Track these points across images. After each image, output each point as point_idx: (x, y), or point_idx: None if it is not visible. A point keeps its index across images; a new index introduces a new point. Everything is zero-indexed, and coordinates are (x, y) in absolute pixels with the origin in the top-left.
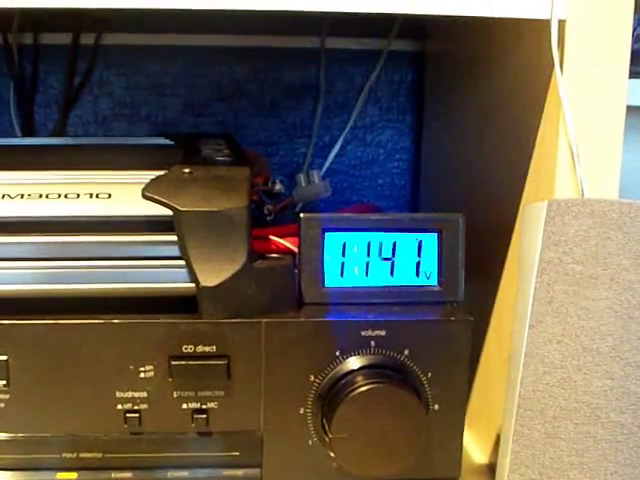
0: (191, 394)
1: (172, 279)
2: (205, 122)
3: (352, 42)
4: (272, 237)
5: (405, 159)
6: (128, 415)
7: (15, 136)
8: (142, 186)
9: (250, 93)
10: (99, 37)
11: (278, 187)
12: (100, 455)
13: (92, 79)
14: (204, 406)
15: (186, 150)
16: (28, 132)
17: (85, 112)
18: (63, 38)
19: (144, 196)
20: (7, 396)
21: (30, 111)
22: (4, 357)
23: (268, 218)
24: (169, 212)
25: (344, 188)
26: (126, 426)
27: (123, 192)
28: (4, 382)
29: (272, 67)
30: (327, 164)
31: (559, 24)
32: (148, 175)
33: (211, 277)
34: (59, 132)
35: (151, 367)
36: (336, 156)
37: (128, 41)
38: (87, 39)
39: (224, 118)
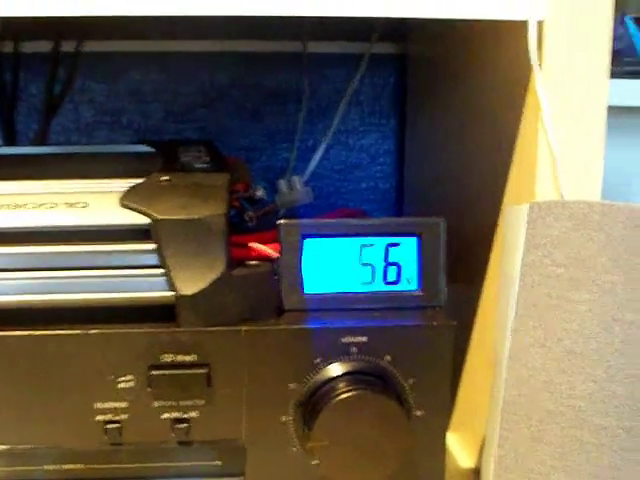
0: (171, 404)
1: (150, 288)
2: (187, 128)
3: (334, 46)
4: (252, 244)
5: (389, 163)
6: (108, 426)
7: None
8: (120, 195)
9: (232, 99)
10: (80, 45)
11: (260, 193)
12: (82, 466)
13: (73, 87)
14: (185, 415)
15: (166, 157)
16: (9, 141)
17: (67, 120)
18: (44, 46)
19: (122, 204)
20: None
21: (11, 119)
22: None
23: (250, 225)
24: (147, 220)
25: (328, 193)
26: (106, 437)
27: (101, 201)
28: None
29: (254, 72)
30: (310, 169)
31: (538, 25)
32: (126, 183)
33: (190, 285)
34: (41, 140)
35: (130, 377)
36: (319, 160)
37: (109, 48)
38: (68, 47)
39: (206, 124)
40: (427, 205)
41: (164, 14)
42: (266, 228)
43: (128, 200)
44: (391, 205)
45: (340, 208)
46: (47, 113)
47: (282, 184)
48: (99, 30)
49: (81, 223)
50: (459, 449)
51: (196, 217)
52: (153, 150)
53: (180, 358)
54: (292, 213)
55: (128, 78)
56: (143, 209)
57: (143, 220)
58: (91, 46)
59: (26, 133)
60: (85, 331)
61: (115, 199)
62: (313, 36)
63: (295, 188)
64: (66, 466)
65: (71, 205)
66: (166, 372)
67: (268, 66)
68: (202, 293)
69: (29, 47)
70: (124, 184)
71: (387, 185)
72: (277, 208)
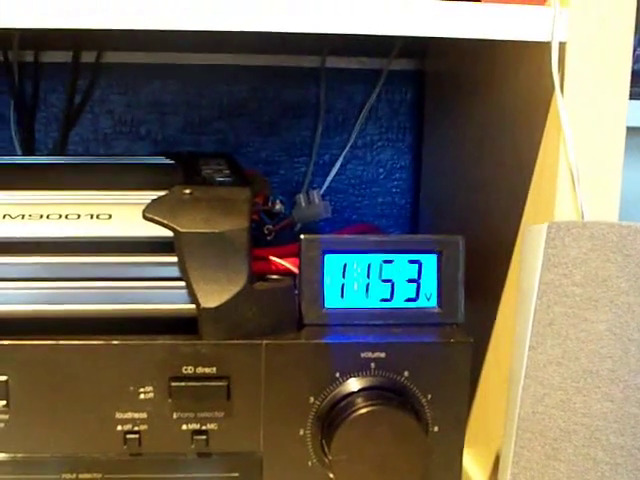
0: (191, 415)
1: (172, 300)
2: (205, 141)
3: (352, 61)
4: (272, 258)
5: (405, 178)
6: (128, 436)
7: (15, 154)
8: (142, 207)
9: (250, 112)
10: (100, 55)
11: (278, 207)
12: (100, 476)
13: (93, 97)
14: (204, 427)
15: (186, 170)
16: (28, 150)
17: (85, 130)
18: (64, 56)
19: (145, 217)
20: (7, 416)
21: (30, 129)
22: (4, 377)
23: (268, 238)
24: (170, 233)
25: (344, 207)
26: (126, 447)
27: (124, 213)
28: (4, 402)
29: (272, 86)
30: (327, 183)
31: (559, 46)
32: (149, 195)
33: (211, 298)
34: (59, 150)
35: (151, 388)
36: (336, 175)
37: (129, 59)
38: (88, 57)
39: (224, 137)
40: (443, 221)
41: (183, 28)
42: (282, 242)
43: (151, 213)
44: (407, 220)
45: (354, 223)
46: (66, 123)
47: (301, 198)
48: (119, 41)
49: (105, 235)
50: (473, 466)
51: (219, 231)
52: (173, 162)
53: (200, 370)
54: (308, 227)
55: (147, 89)
56: (166, 222)
57: (166, 233)
58: (111, 57)
59: (45, 142)
60: (107, 342)
61: (138, 211)
62: (332, 51)
63: (314, 202)
64: (83, 475)
65: (95, 217)
66: (186, 384)
67: (286, 80)
68: (224, 306)
69: (49, 57)
70: (146, 196)
71: (403, 200)
72: (294, 222)
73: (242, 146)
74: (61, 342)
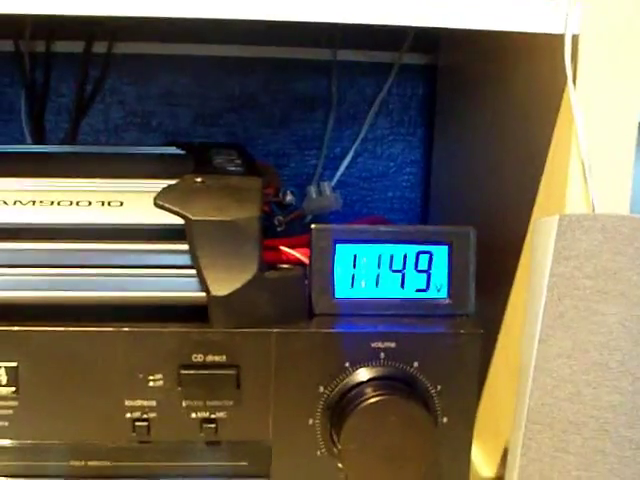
0: (200, 403)
1: (182, 288)
2: (216, 132)
3: (364, 54)
4: (282, 248)
5: (415, 172)
6: (137, 424)
7: (26, 144)
8: (154, 194)
9: (261, 104)
10: (111, 46)
11: (289, 198)
12: (108, 463)
13: (104, 88)
14: (213, 415)
15: (197, 159)
16: (39, 140)
17: (96, 121)
18: (75, 46)
19: (156, 204)
20: (16, 403)
21: (41, 119)
22: (14, 364)
23: (278, 229)
24: (181, 221)
25: (354, 201)
26: (134, 434)
27: (135, 200)
28: (14, 389)
29: (284, 78)
30: (337, 176)
31: (572, 39)
32: (160, 184)
33: (222, 286)
34: (70, 140)
35: (160, 376)
36: (346, 168)
37: (140, 50)
38: (99, 48)
39: (235, 129)
40: (453, 215)
41: (195, 16)
42: (291, 233)
43: (162, 200)
44: (417, 215)
45: (364, 217)
46: (77, 113)
47: (311, 190)
48: (131, 32)
49: (116, 222)
50: (480, 458)
51: (230, 219)
52: (184, 152)
53: (210, 358)
54: (318, 220)
55: (159, 81)
56: (177, 210)
57: (177, 220)
58: (122, 48)
59: (55, 133)
60: (117, 329)
61: (149, 199)
62: (344, 44)
63: (325, 193)
64: (92, 462)
65: (106, 204)
66: (196, 372)
67: (298, 73)
68: (234, 294)
69: (61, 47)
70: (158, 185)
71: (413, 194)
72: (303, 214)
73: (253, 138)
74: (71, 329)
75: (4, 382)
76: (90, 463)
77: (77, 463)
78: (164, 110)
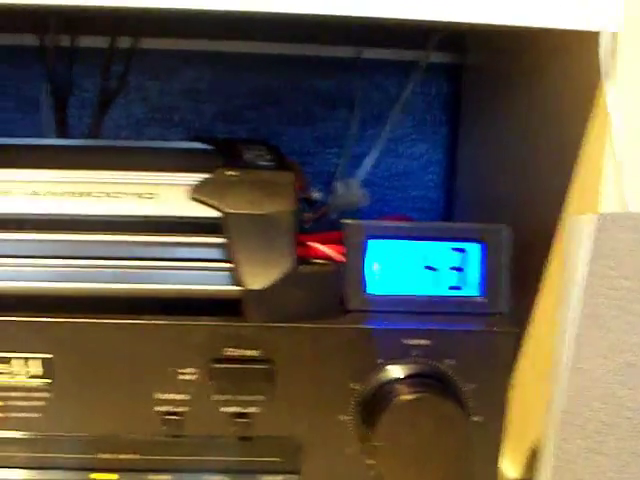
0: (232, 398)
1: (217, 281)
2: (238, 129)
3: (388, 53)
4: (312, 244)
5: (439, 172)
6: (168, 417)
7: (49, 138)
8: (186, 188)
9: (284, 102)
10: (135, 41)
11: (316, 195)
12: (138, 457)
13: (127, 83)
14: (245, 410)
15: (226, 154)
16: (62, 134)
17: (119, 116)
18: (99, 42)
19: (192, 197)
20: (49, 395)
21: (64, 114)
22: (50, 355)
23: (306, 226)
24: (216, 214)
25: (377, 200)
26: (165, 428)
27: (170, 193)
28: (49, 380)
29: (307, 76)
30: (361, 175)
31: (608, 36)
32: (192, 177)
33: (257, 280)
34: (93, 135)
35: (193, 370)
36: (370, 167)
37: (163, 46)
38: (123, 43)
39: (257, 126)
40: (480, 214)
41: (217, 9)
42: (316, 230)
43: (198, 193)
44: (440, 214)
45: (387, 216)
46: (100, 108)
47: (339, 186)
48: (155, 27)
49: (150, 214)
50: (505, 460)
51: (265, 212)
52: (211, 147)
53: (243, 353)
54: (344, 217)
55: (181, 77)
56: (214, 203)
57: (212, 214)
58: (146, 43)
59: (79, 127)
60: (150, 321)
61: (182, 192)
62: (368, 42)
63: (352, 190)
64: (122, 455)
65: (140, 196)
66: (229, 366)
67: (322, 70)
68: (269, 289)
69: (85, 42)
70: (189, 178)
71: (436, 194)
72: (328, 211)
73: (275, 136)
74: (105, 321)
75: (40, 373)
76: (121, 456)
77: (108, 456)
78: (186, 106)
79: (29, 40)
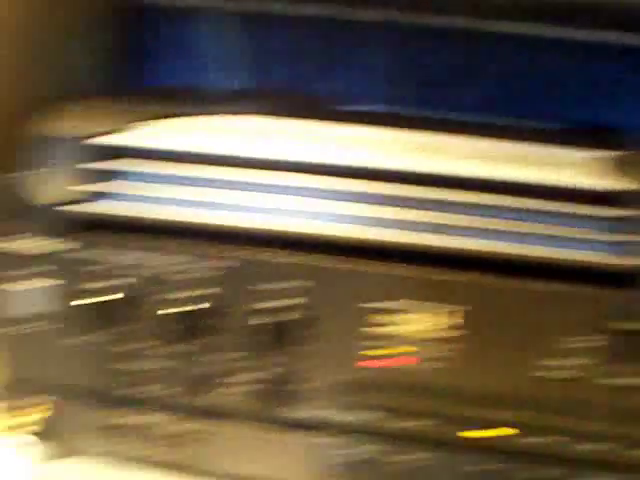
0: (627, 369)
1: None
2: None
3: None
4: None
5: None
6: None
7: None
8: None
9: None
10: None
11: None
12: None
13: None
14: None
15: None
16: None
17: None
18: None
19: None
20: (457, 346)
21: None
22: (466, 308)
23: None
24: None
25: None
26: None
27: (569, 165)
28: (460, 333)
29: None
30: None
31: None
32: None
33: None
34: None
35: (584, 338)
36: None
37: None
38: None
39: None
40: None
41: None
42: None
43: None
44: None
45: None
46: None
47: None
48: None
49: (554, 183)
50: None
51: None
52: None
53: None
54: None
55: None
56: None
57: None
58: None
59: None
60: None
61: (580, 166)
62: None
63: None
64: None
65: (545, 165)
66: (621, 337)
67: None
68: None
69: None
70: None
71: None
72: None
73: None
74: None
75: (453, 325)
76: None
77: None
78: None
79: None
